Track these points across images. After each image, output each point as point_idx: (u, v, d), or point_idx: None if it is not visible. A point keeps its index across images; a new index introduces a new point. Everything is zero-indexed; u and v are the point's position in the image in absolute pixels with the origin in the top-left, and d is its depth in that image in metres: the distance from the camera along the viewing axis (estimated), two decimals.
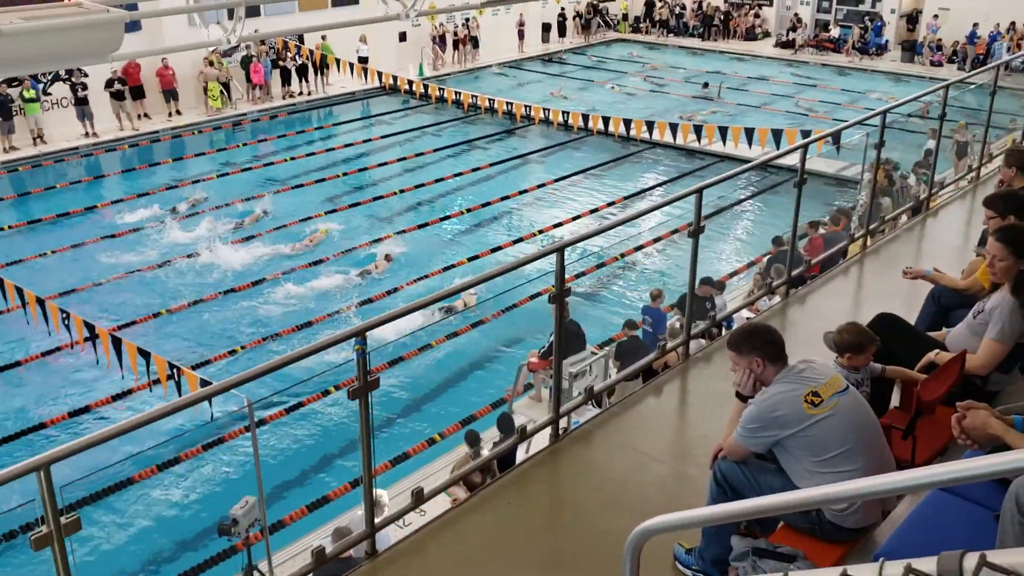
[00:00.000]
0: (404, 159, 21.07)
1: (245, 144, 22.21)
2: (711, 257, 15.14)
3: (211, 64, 23.48)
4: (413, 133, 23.43)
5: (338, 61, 25.37)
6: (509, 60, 31.49)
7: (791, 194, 6.79)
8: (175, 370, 9.31)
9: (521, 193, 18.91)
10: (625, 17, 36.38)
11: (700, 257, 5.94)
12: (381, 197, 18.35)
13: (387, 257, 14.60)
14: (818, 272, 9.34)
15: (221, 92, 23.54)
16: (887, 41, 31.01)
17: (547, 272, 4.72)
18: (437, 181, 19.46)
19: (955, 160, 14.48)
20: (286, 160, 20.79)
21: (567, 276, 4.81)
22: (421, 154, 21.44)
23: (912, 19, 31.05)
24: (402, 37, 28.17)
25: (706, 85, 27.68)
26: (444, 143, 22.40)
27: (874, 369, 4.56)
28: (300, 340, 12.44)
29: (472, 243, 16.11)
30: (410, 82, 25.89)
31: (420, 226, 16.82)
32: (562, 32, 34.70)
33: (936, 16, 29.95)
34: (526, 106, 23.44)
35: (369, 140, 22.62)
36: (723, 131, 19.67)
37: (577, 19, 35.17)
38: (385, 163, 20.74)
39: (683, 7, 35.83)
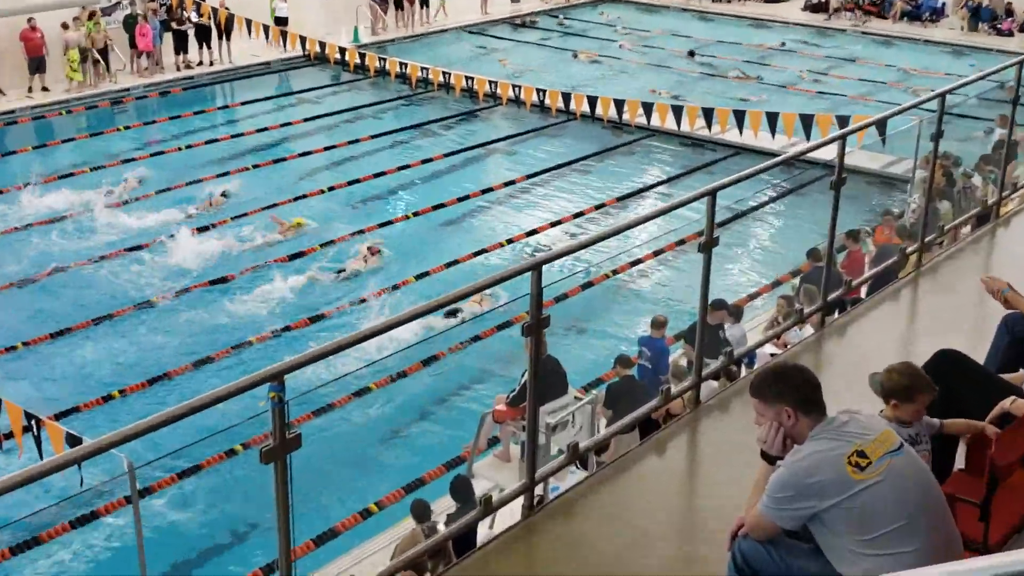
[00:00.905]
0: (334, 148, 21.06)
1: (127, 128, 22.04)
2: (726, 275, 15.29)
3: (65, 27, 23.10)
4: (346, 115, 23.42)
5: (249, 22, 25.39)
6: (470, 23, 31.73)
7: (826, 197, 6.89)
8: (34, 422, 9.14)
9: (484, 192, 18.98)
10: None
11: (713, 275, 5.99)
12: (304, 197, 18.30)
13: (371, 250, 15.53)
14: (860, 296, 9.49)
15: (87, 61, 23.33)
16: (944, 4, 31.74)
17: (519, 296, 4.72)
18: (376, 176, 19.47)
19: None
20: (179, 149, 20.69)
21: (544, 300, 4.83)
22: (356, 141, 21.45)
23: None
24: None
25: (692, 54, 28.07)
26: (386, 127, 22.44)
27: (931, 424, 4.60)
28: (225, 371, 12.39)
29: (421, 257, 16.15)
30: (342, 50, 25.92)
31: (354, 234, 16.77)
32: None
33: None
34: (491, 82, 23.59)
35: (288, 124, 22.58)
36: (739, 117, 19.93)
37: None
38: (309, 153, 20.71)
39: None
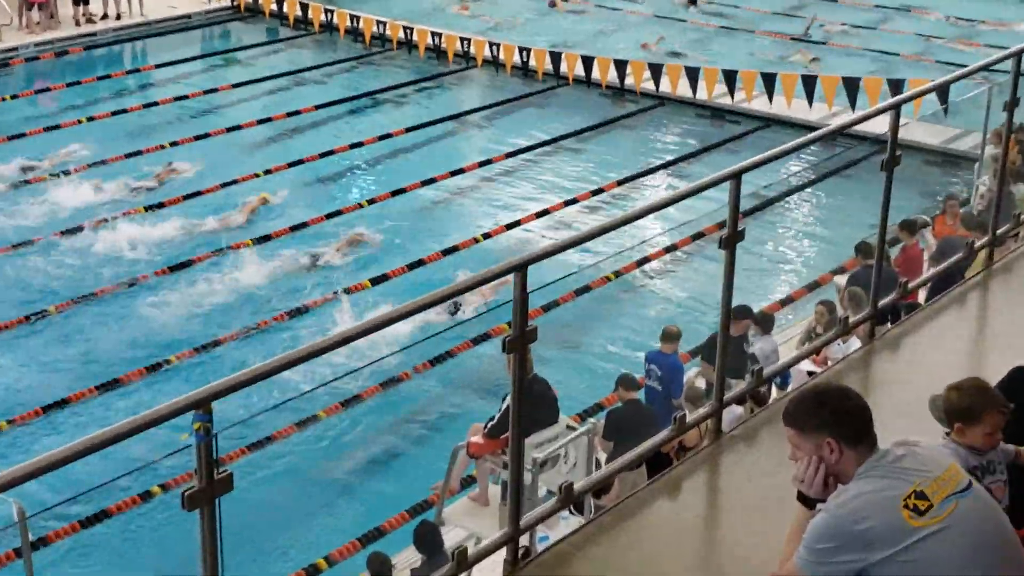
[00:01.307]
0: (270, 120, 21.09)
1: (14, 97, 21.94)
2: (754, 276, 15.39)
3: None
4: (285, 80, 23.46)
5: None
6: None
7: (876, 179, 6.92)
8: None
9: (455, 174, 19.04)
10: None
11: (737, 276, 6.00)
12: (233, 183, 18.31)
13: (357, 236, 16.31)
14: (918, 301, 9.54)
15: None
16: None
17: (501, 303, 4.75)
18: (322, 156, 19.50)
19: None
20: (78, 122, 20.62)
21: (531, 308, 4.84)
22: (296, 113, 21.49)
23: None
24: None
25: (693, 2, 28.26)
26: (334, 95, 22.49)
27: (1006, 452, 4.64)
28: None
29: (379, 254, 16.17)
30: (279, 1, 25.94)
31: (294, 227, 16.77)
32: None
33: None
34: (463, 39, 23.65)
35: (214, 91, 22.59)
36: (769, 82, 20.05)
37: None
38: (238, 127, 20.70)
39: None
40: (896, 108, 6.83)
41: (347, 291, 14.91)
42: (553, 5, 28.29)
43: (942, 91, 17.94)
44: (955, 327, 7.24)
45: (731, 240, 5.81)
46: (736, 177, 5.80)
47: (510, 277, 4.82)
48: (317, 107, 21.79)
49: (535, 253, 4.98)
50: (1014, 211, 8.83)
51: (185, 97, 22.07)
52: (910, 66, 23.83)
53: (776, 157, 6.41)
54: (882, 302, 7.19)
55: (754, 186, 17.23)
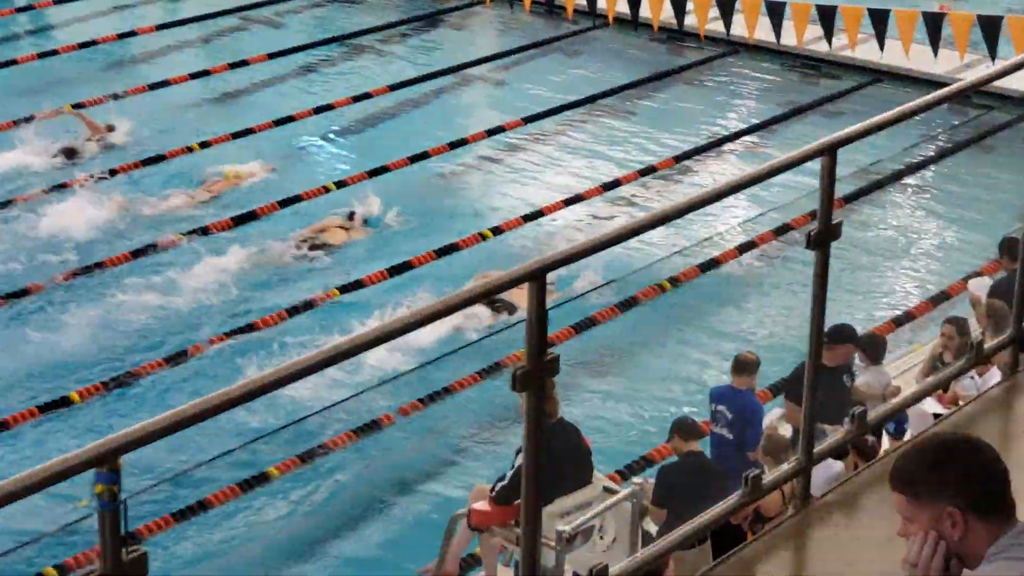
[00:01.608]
0: (206, 74, 21.32)
1: None
2: (857, 284, 15.37)
3: None
4: (226, 21, 23.55)
5: None
6: None
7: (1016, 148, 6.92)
8: None
9: (455, 147, 19.11)
10: None
11: (834, 286, 6.01)
12: (155, 161, 18.44)
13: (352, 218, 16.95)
14: None
15: None
16: None
17: (512, 324, 4.79)
18: (276, 124, 19.61)
19: None
20: None
21: (554, 329, 4.87)
22: (243, 64, 21.63)
23: None
24: None
25: None
26: (291, 40, 22.58)
27: None
28: None
29: (351, 252, 16.30)
30: None
31: (242, 219, 16.86)
32: None
33: None
34: None
35: (132, 34, 22.76)
36: (879, 21, 19.97)
37: None
38: (166, 83, 20.84)
39: None
40: None
41: (311, 304, 14.96)
42: None
43: None
44: None
45: (823, 237, 5.82)
46: (831, 151, 5.81)
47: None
48: (270, 56, 21.94)
49: (556, 256, 5.00)
50: None
51: (93, 43, 22.17)
52: None
53: (886, 124, 6.42)
54: None
55: (856, 164, 17.29)
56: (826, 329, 10.55)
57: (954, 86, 8.22)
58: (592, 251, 5.29)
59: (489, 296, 4.98)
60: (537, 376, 4.85)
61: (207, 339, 14.38)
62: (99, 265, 15.81)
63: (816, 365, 6.25)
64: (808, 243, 5.87)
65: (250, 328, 14.55)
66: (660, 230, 14.80)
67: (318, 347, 4.54)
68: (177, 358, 14.09)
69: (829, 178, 5.79)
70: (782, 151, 18.62)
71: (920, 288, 15.82)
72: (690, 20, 21.62)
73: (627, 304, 15.07)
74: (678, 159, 18.81)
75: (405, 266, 15.84)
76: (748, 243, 16.32)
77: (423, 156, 18.74)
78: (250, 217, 16.98)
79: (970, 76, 19.49)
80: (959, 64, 19.79)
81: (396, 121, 20.19)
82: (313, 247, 16.46)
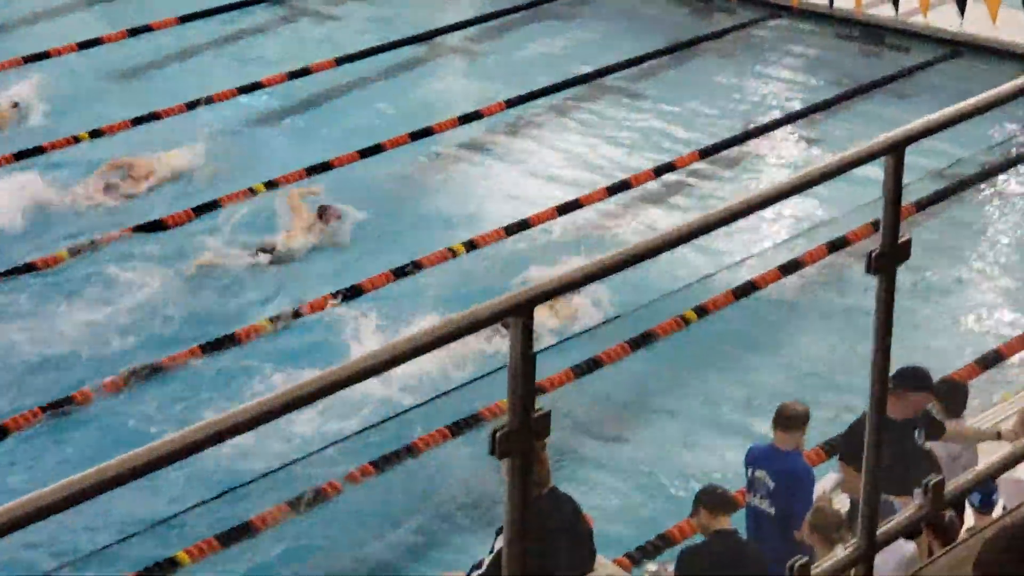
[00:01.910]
0: (98, 43, 21.34)
1: None
2: (932, 317, 15.45)
3: None
4: None
5: None
6: None
7: None
8: None
9: (417, 137, 19.19)
10: None
11: (903, 314, 6.04)
12: (32, 154, 18.51)
13: (324, 214, 17.32)
14: None
15: None
16: None
17: (491, 372, 4.84)
18: (189, 107, 19.68)
19: None
20: None
21: (542, 376, 4.91)
22: (146, 29, 21.71)
23: None
24: None
25: None
26: (213, 1, 22.67)
27: None
28: None
29: (280, 276, 16.39)
30: None
31: (144, 228, 16.87)
32: None
33: None
34: None
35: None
36: None
37: None
38: (45, 55, 20.85)
39: None
40: None
41: (226, 340, 15.01)
42: None
43: None
44: None
45: (888, 258, 5.84)
46: (897, 150, 5.85)
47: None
48: (181, 20, 22.08)
49: (547, 285, 5.01)
50: None
51: None
52: None
53: (969, 114, 6.47)
54: None
55: (928, 164, 17.35)
56: (893, 373, 10.69)
57: None
58: (593, 278, 5.30)
59: (462, 336, 4.98)
60: (523, 438, 4.88)
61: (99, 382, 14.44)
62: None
63: (881, 419, 6.28)
64: (868, 266, 5.89)
65: (156, 370, 14.64)
66: (679, 250, 14.85)
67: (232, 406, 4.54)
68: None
69: (895, 184, 5.81)
70: (836, 144, 18.96)
71: (1011, 321, 15.82)
72: None
73: (641, 341, 15.09)
74: (704, 154, 18.84)
75: (354, 291, 15.93)
76: (794, 262, 16.28)
77: (377, 149, 18.78)
78: (156, 227, 17.00)
79: None
80: None
81: (343, 103, 20.27)
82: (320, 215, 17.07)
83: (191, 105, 19.68)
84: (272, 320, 15.38)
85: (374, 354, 4.75)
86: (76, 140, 18.88)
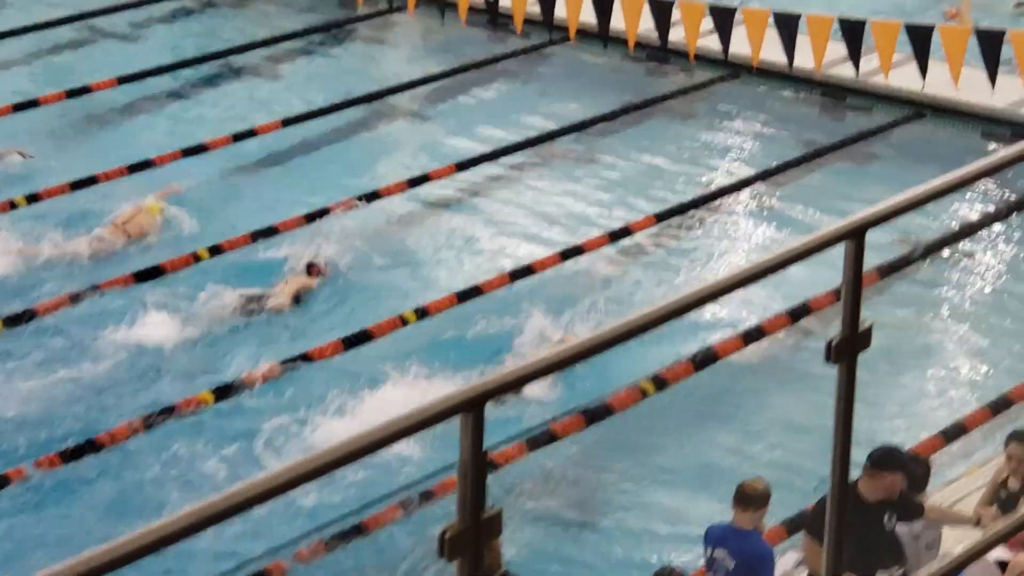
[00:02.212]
0: (35, 105, 21.29)
1: None
2: (893, 390, 15.38)
3: None
4: (64, 33, 23.73)
5: None
6: None
7: None
8: None
9: (370, 199, 19.18)
10: None
11: (866, 392, 6.00)
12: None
13: (312, 270, 17.67)
14: None
15: None
16: None
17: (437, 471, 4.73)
18: (131, 170, 19.56)
19: None
20: None
21: (501, 446, 4.83)
22: (84, 91, 21.75)
23: None
24: None
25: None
26: (151, 58, 22.76)
27: None
28: None
29: (223, 341, 16.29)
30: None
31: (75, 299, 16.81)
32: None
33: None
34: None
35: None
36: (919, 39, 20.22)
37: None
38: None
39: None
40: None
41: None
42: None
43: None
44: None
45: (849, 347, 5.81)
46: (857, 235, 5.81)
47: None
48: (121, 80, 22.10)
49: (500, 378, 4.94)
50: None
51: None
52: None
53: (935, 195, 6.44)
54: None
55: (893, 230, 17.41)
56: (869, 452, 10.69)
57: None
58: (547, 371, 5.21)
59: (414, 433, 4.89)
60: (473, 540, 4.77)
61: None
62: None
63: (842, 507, 6.24)
64: (828, 354, 5.86)
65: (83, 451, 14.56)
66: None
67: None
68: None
69: (855, 270, 5.76)
70: (799, 206, 19.06)
71: (972, 394, 15.78)
72: (676, 35, 21.87)
73: (596, 415, 14.92)
74: (660, 217, 18.80)
75: (302, 358, 15.93)
76: (756, 329, 16.25)
77: (322, 213, 18.72)
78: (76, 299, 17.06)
79: None
80: (1020, 98, 20.17)
81: (288, 167, 20.26)
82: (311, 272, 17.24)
83: (132, 168, 19.60)
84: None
85: (322, 454, 4.66)
86: (12, 206, 18.83)
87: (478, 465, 4.72)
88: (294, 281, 17.25)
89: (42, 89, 21.96)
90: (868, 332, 5.84)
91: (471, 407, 4.73)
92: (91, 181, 19.44)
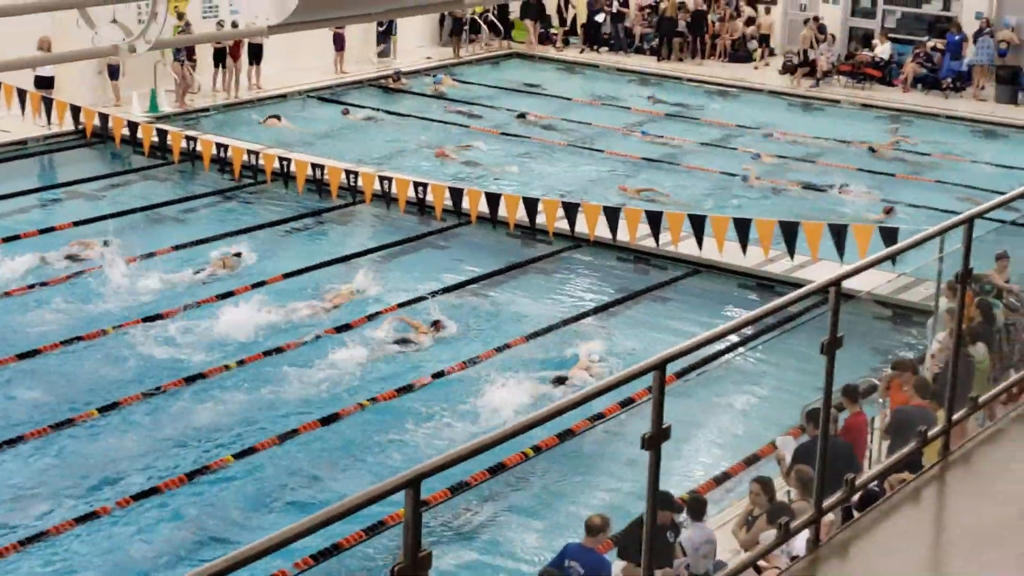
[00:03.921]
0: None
1: None
2: (683, 447, 15.43)
3: None
4: (136, 217, 23.36)
5: None
6: (317, 86, 32.54)
7: (814, 334, 7.15)
8: None
9: (341, 331, 18.76)
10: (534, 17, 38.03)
11: (665, 470, 6.15)
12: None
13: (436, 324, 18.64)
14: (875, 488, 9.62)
15: None
16: (971, 67, 33.43)
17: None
18: (186, 309, 19.11)
19: None
20: None
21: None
22: (150, 255, 21.24)
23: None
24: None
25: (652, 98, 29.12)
26: (196, 233, 22.43)
27: None
28: None
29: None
30: (132, 124, 26.06)
31: None
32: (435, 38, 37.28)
33: None
34: (349, 172, 23.97)
35: (51, 230, 22.36)
36: (697, 224, 20.50)
37: (442, 23, 36.96)
38: (80, 274, 20.26)
39: (622, 1, 37.85)
40: (836, 286, 7.04)
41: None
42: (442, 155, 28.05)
43: (889, 232, 18.76)
44: (911, 531, 7.38)
45: (656, 441, 5.93)
46: (660, 368, 5.94)
47: None
48: (175, 248, 21.62)
49: (431, 464, 4.98)
50: (969, 393, 9.03)
51: (16, 238, 21.74)
52: (857, 206, 24.63)
53: (717, 337, 6.59)
54: (827, 503, 7.33)
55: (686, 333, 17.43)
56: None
57: (773, 302, 7.90)
58: (473, 454, 5.27)
59: (360, 510, 4.90)
60: (412, 572, 4.86)
61: None
62: None
63: (649, 543, 6.33)
64: (642, 444, 5.98)
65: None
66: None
67: None
68: None
69: (659, 391, 5.91)
70: (620, 328, 19.17)
71: (737, 452, 15.81)
72: (540, 219, 21.97)
73: (496, 469, 14.69)
74: (529, 337, 18.77)
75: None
76: (598, 415, 15.87)
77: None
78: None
79: (770, 268, 20.33)
80: (764, 260, 20.40)
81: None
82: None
83: (186, 308, 19.29)
84: None
85: (279, 534, 4.64)
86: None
87: (416, 523, 4.84)
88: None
89: None
90: (669, 428, 5.99)
91: (412, 484, 4.85)
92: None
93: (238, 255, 20.96)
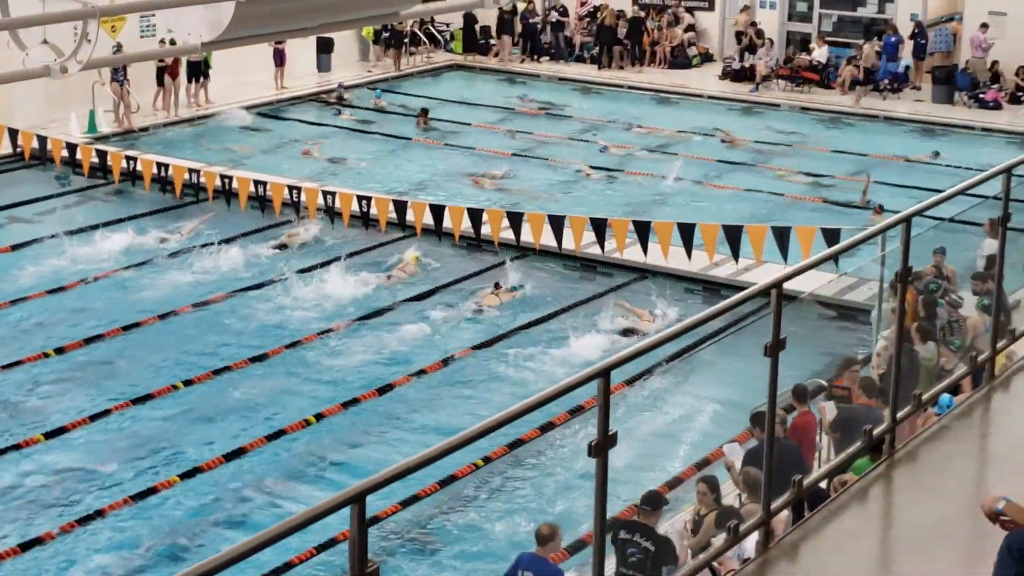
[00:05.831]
0: (60, 291, 20.57)
1: None
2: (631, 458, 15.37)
3: None
4: (75, 240, 22.95)
5: None
6: (259, 102, 32.41)
7: (756, 337, 7.18)
8: None
9: (254, 361, 18.94)
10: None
11: (614, 480, 6.13)
12: None
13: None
14: (821, 486, 9.68)
15: None
16: (907, 68, 33.79)
17: None
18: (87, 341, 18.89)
19: None
20: None
21: None
22: (88, 281, 21.02)
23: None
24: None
25: (604, 149, 29.34)
26: (138, 256, 22.20)
27: None
28: None
29: None
30: (71, 146, 25.87)
31: None
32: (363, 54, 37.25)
33: (985, 27, 32.97)
34: (291, 188, 23.85)
35: None
36: (641, 230, 20.55)
37: (383, 34, 36.81)
38: (22, 299, 20.10)
39: (561, 10, 37.96)
40: (777, 286, 7.06)
41: None
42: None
43: (831, 234, 18.87)
44: (859, 529, 7.42)
45: (602, 448, 5.94)
46: (605, 374, 5.94)
47: None
48: (121, 268, 21.54)
49: (378, 478, 4.94)
50: (914, 389, 9.10)
51: None
52: (798, 208, 24.82)
53: (659, 344, 6.61)
54: (775, 504, 7.35)
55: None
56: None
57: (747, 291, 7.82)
58: (420, 466, 5.24)
59: (304, 528, 4.88)
60: None
61: None
62: None
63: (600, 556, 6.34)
64: (589, 452, 5.97)
65: None
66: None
67: None
68: None
69: (605, 397, 5.93)
70: (567, 335, 19.17)
71: (687, 456, 15.87)
72: (485, 230, 21.93)
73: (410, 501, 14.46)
74: (475, 348, 18.84)
75: None
76: (548, 424, 15.83)
77: (221, 370, 18.11)
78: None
79: (717, 272, 20.44)
80: (708, 263, 20.51)
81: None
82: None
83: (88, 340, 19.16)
84: None
85: (238, 546, 4.61)
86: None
87: (362, 539, 4.81)
88: None
89: None
90: (615, 435, 5.99)
91: (357, 500, 4.81)
92: None
93: None
